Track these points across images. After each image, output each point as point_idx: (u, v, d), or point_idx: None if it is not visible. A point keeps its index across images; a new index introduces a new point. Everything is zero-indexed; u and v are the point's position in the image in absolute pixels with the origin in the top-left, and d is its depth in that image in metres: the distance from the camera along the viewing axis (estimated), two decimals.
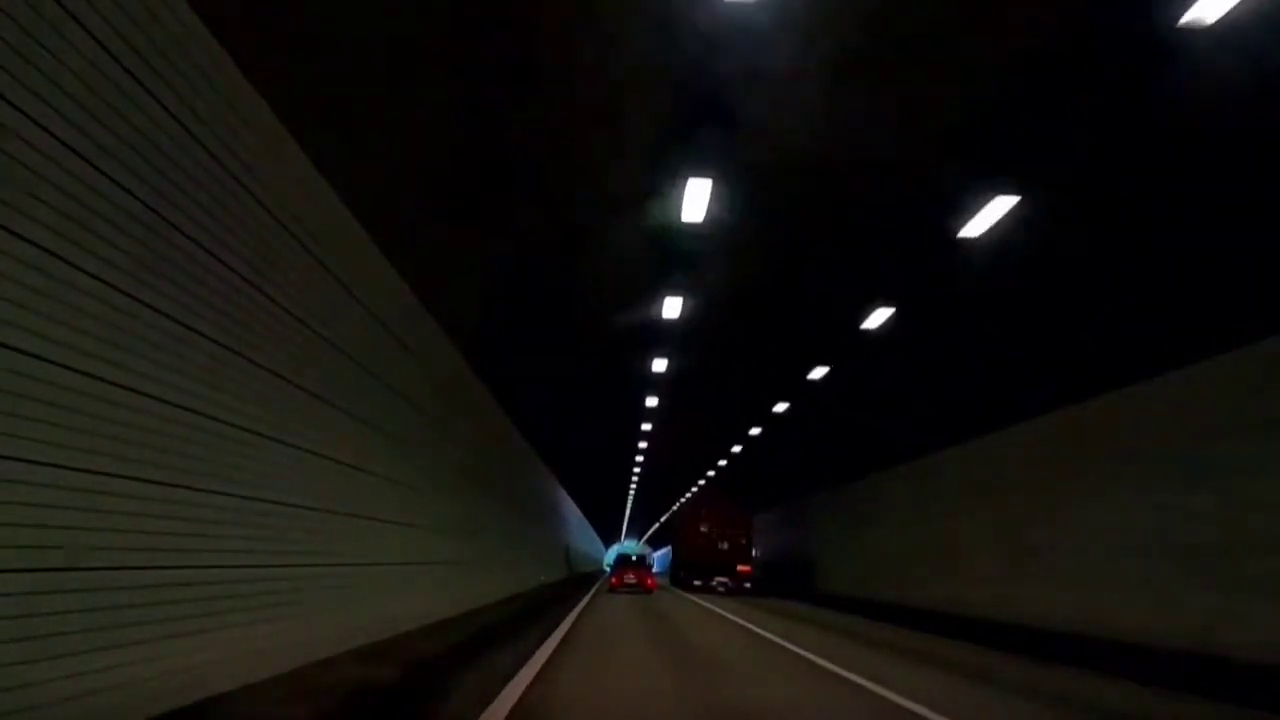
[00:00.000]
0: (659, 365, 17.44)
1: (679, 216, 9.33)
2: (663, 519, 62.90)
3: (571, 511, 44.34)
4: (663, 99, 7.38)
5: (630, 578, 27.67)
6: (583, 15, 6.28)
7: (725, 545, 32.07)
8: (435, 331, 11.39)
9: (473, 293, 11.57)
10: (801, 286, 12.37)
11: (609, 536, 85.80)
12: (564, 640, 10.62)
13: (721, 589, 31.39)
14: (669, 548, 47.64)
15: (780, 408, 22.55)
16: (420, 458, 10.93)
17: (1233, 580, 9.76)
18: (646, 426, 27.32)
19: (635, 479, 46.38)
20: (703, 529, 32.38)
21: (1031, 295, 11.00)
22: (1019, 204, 8.63)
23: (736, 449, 32.32)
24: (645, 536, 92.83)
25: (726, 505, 32.70)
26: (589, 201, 9.50)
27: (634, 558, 30.58)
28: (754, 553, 32.86)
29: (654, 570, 31.56)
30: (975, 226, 9.26)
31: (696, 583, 31.74)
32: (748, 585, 31.43)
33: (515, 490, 21.32)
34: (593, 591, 25.84)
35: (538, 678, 7.23)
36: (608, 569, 46.38)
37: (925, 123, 7.71)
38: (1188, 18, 5.59)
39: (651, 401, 22.95)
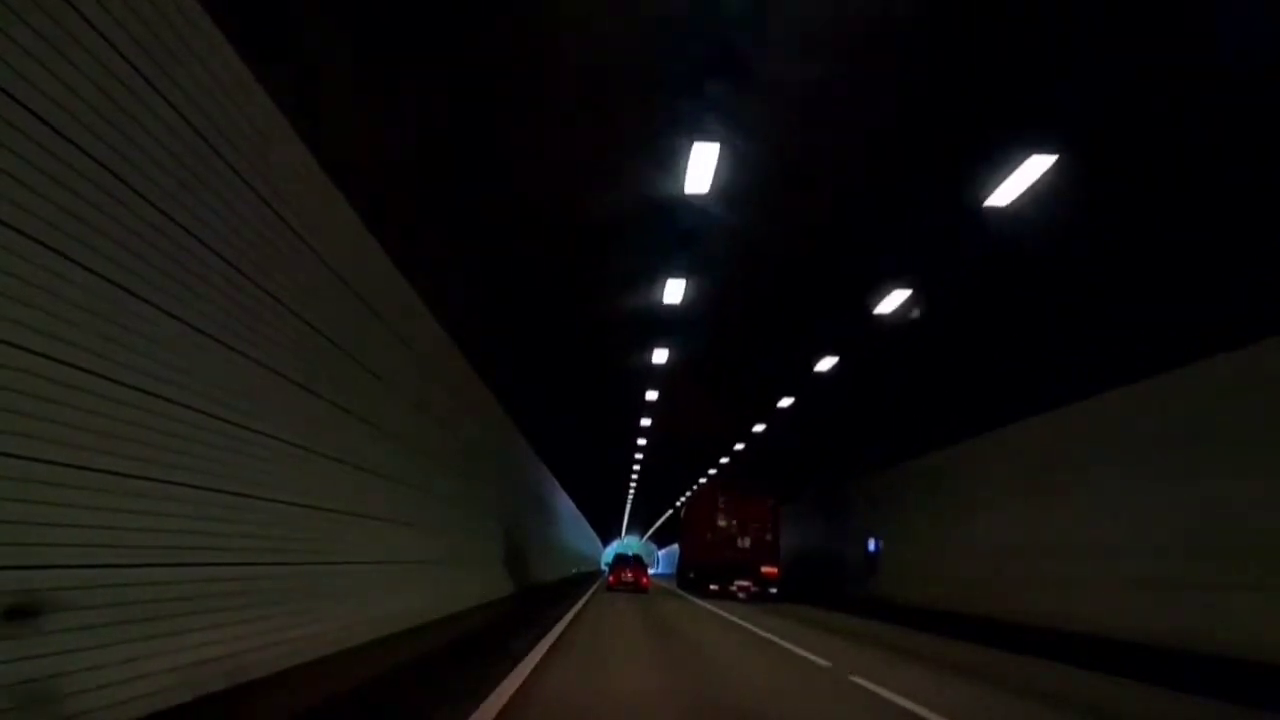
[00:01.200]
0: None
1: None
2: (669, 512, 57.61)
3: (565, 505, 39.16)
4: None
5: (627, 575, 29.66)
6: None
7: (747, 541, 26.97)
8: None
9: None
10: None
11: (608, 534, 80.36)
12: None
13: (743, 595, 26.37)
14: (676, 545, 42.31)
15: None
16: None
17: None
18: (650, 396, 22.28)
19: (636, 471, 41.29)
20: (719, 522, 27.22)
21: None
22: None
23: (754, 431, 27.26)
24: (648, 533, 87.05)
25: (748, 492, 27.51)
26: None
27: (631, 556, 32.26)
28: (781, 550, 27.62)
29: (649, 571, 32.86)
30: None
31: (713, 587, 26.60)
32: (773, 590, 26.39)
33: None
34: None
35: None
36: (605, 569, 48.26)
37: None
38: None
39: (659, 365, 20.04)
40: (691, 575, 33.33)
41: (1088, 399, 14.25)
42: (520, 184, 10.06)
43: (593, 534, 62.81)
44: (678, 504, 49.14)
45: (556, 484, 37.05)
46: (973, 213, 9.63)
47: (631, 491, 49.94)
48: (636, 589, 28.46)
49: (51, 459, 3.81)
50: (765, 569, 26.57)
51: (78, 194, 3.96)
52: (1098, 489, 14.01)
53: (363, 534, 8.56)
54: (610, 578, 30.37)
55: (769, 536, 27.05)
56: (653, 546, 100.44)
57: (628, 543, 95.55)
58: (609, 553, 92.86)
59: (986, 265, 11.85)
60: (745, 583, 26.38)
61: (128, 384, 4.41)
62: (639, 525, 78.92)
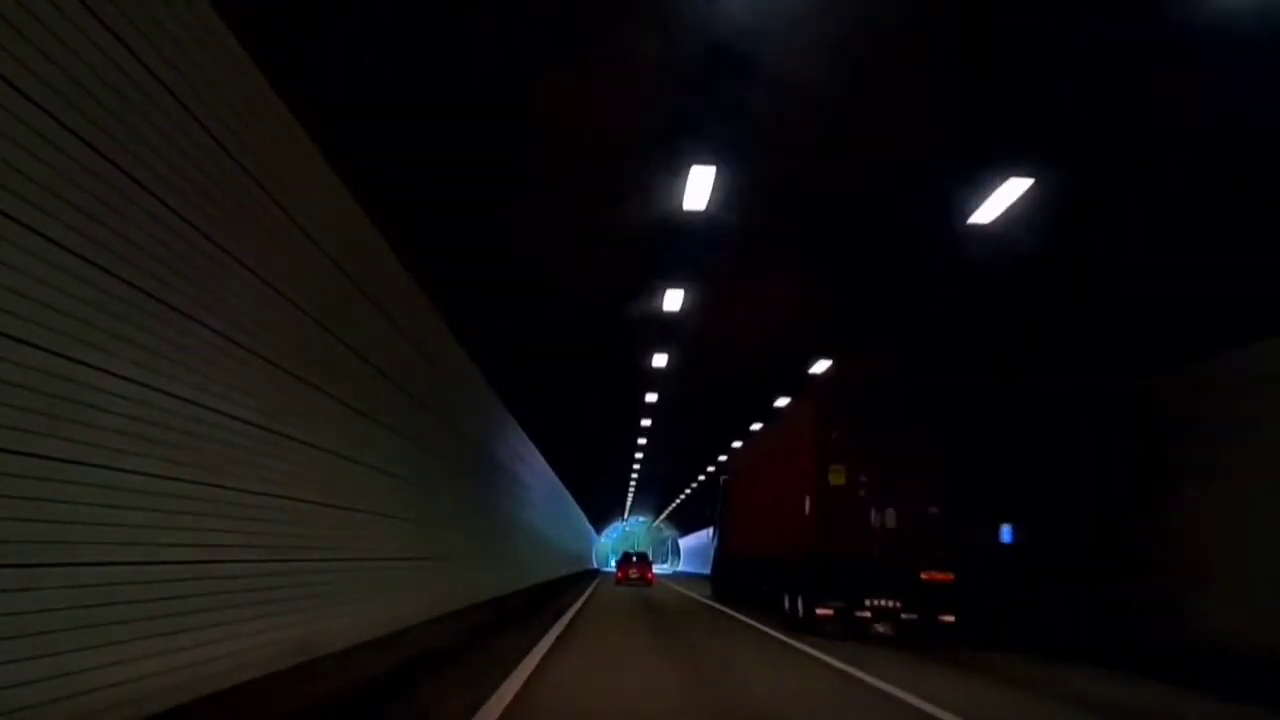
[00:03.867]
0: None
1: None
2: (695, 482, 44.25)
3: (539, 471, 26.16)
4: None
5: (633, 573, 34.87)
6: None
7: (890, 516, 14.20)
8: None
9: None
10: None
11: (606, 516, 66.81)
12: None
13: (882, 629, 13.63)
14: (712, 530, 28.89)
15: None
16: None
17: None
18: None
19: (646, 427, 28.49)
20: (831, 477, 14.14)
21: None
22: None
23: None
24: (663, 515, 72.50)
25: (894, 415, 14.23)
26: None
27: (636, 555, 37.37)
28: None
29: (674, 567, 45.00)
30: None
31: (820, 612, 13.54)
32: (948, 619, 13.29)
33: None
34: None
35: None
36: (599, 566, 53.81)
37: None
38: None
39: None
40: (743, 574, 20.56)
41: None
42: None
43: (580, 515, 49.09)
44: (716, 465, 35.62)
45: (530, 444, 24.30)
46: None
47: (639, 455, 36.81)
48: (642, 583, 33.71)
49: None
50: (931, 574, 13.52)
51: None
52: None
53: None
54: (618, 574, 36.05)
55: (934, 505, 13.90)
56: (670, 534, 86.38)
57: (632, 526, 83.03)
58: (604, 541, 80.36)
59: None
60: (891, 602, 13.51)
61: None
62: (650, 502, 64.49)
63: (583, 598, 22.52)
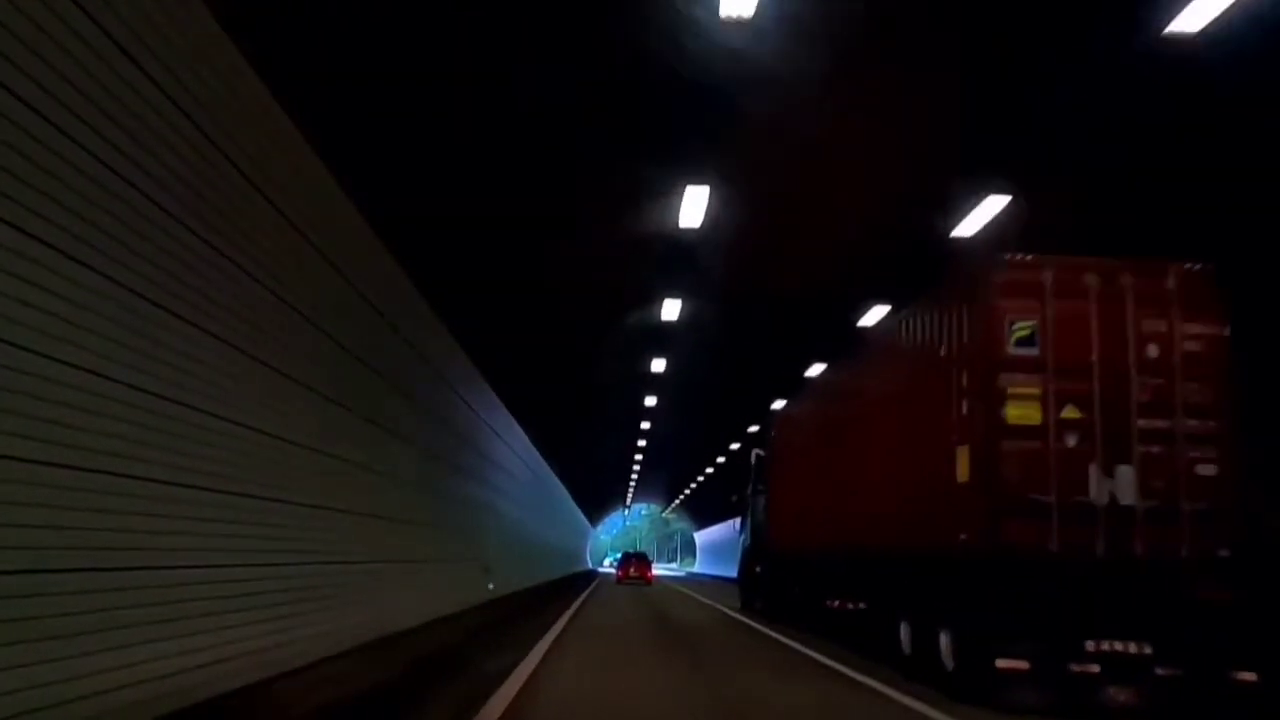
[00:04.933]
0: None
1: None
2: (718, 461, 38.10)
3: (514, 450, 20.16)
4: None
5: (633, 571, 37.21)
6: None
7: (1126, 480, 7.76)
8: None
9: None
10: None
11: (605, 506, 60.46)
12: None
13: (1124, 700, 7.36)
14: (739, 520, 22.46)
15: None
16: None
17: None
18: None
19: (654, 394, 22.73)
20: (1012, 408, 7.65)
21: None
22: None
23: None
24: (675, 502, 65.34)
25: (1133, 277, 7.82)
26: None
27: (635, 554, 40.86)
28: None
29: (691, 566, 47.22)
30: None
31: (1004, 665, 7.19)
32: (1247, 676, 6.81)
33: None
34: None
35: None
36: (606, 567, 56.77)
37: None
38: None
39: None
40: (801, 584, 14.57)
41: None
42: None
43: (572, 505, 42.66)
44: (744, 440, 29.04)
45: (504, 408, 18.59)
46: None
47: (646, 427, 30.74)
48: (642, 582, 35.98)
49: None
50: (1209, 590, 7.24)
51: None
52: None
53: None
54: (619, 573, 39.11)
55: (1212, 460, 7.55)
56: (681, 527, 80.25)
57: (633, 519, 79.46)
58: (603, 537, 75.73)
59: None
60: (1135, 646, 7.31)
61: None
62: (658, 487, 57.49)
63: (570, 611, 16.23)
